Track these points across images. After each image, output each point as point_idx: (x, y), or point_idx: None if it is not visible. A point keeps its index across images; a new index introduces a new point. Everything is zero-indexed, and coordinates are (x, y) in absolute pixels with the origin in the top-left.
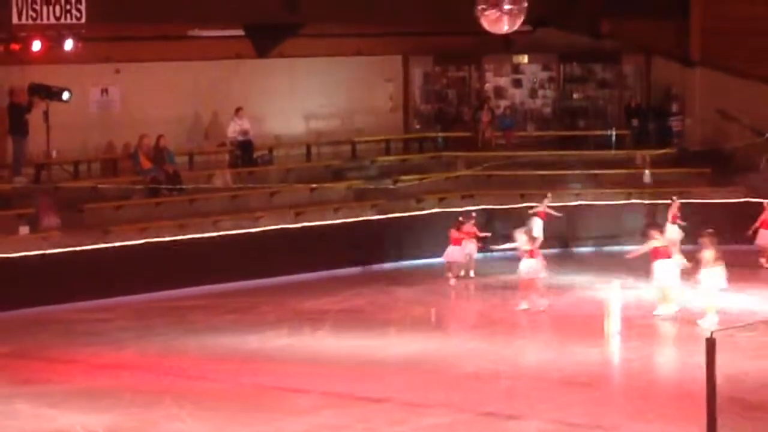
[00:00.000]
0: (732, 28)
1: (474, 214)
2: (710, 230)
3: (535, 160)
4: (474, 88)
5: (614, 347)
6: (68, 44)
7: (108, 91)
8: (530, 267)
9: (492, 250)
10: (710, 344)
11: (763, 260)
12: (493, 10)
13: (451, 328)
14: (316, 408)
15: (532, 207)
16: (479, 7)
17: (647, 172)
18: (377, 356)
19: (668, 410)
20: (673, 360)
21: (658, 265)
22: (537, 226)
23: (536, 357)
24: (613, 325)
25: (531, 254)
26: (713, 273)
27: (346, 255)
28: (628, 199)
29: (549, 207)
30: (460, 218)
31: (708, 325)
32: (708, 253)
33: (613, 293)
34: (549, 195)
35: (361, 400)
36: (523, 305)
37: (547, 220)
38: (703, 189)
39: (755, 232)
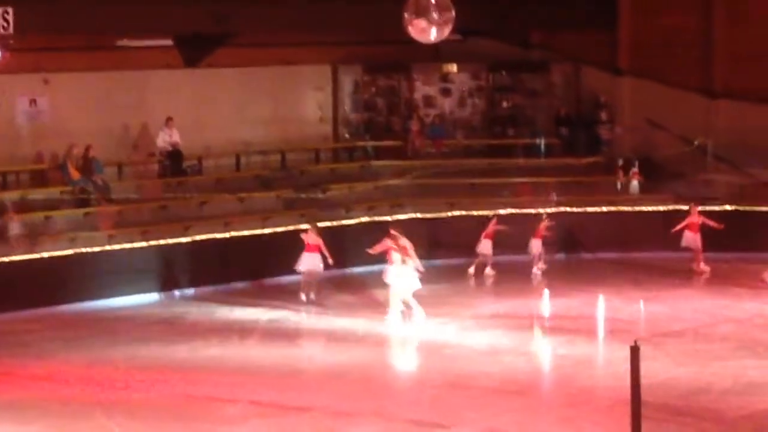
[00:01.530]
0: (660, 38)
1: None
2: (396, 226)
3: (465, 168)
4: (403, 97)
5: (542, 355)
6: None
7: (36, 101)
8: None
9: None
10: (634, 352)
11: (694, 265)
12: (421, 20)
13: (380, 338)
14: (245, 417)
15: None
16: (407, 16)
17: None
18: (306, 366)
19: (598, 417)
20: (604, 367)
21: (392, 270)
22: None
23: (465, 365)
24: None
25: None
26: (403, 270)
27: (275, 264)
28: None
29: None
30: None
31: (392, 319)
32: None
33: (543, 300)
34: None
35: (290, 410)
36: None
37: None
38: (632, 197)
39: (679, 233)
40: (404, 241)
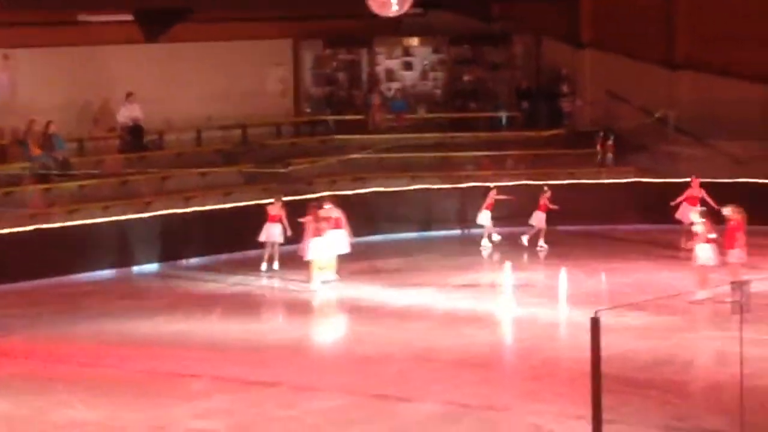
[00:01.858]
0: (621, 10)
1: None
2: (318, 203)
3: (427, 142)
4: (365, 71)
5: (505, 327)
6: None
7: None
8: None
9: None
10: (594, 323)
11: (684, 242)
12: None
13: (341, 312)
14: (208, 392)
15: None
16: None
17: None
18: (269, 341)
19: (560, 389)
20: (565, 340)
21: (313, 243)
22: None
23: (427, 339)
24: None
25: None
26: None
27: (238, 238)
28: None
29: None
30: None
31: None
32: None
33: (503, 274)
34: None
35: (253, 384)
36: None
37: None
38: (594, 170)
39: (677, 207)
40: (335, 213)
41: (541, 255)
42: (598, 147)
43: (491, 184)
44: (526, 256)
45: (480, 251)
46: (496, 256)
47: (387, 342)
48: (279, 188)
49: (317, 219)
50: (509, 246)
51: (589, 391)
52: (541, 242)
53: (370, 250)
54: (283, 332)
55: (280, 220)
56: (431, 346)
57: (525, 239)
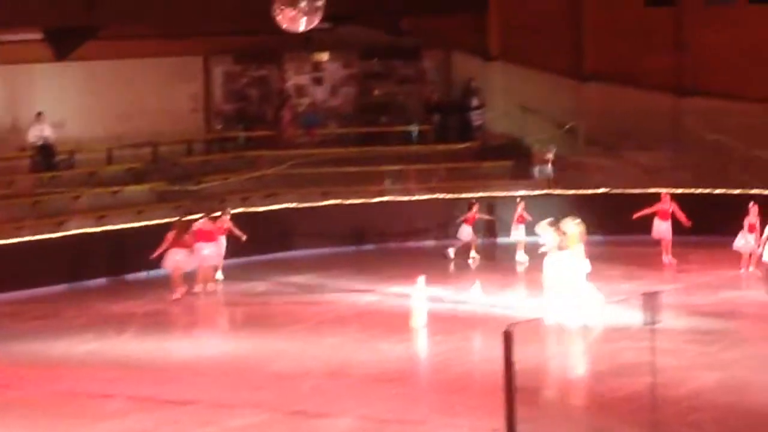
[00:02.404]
0: (529, 22)
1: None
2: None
3: (338, 157)
4: (275, 86)
5: (420, 342)
6: None
7: None
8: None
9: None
10: (507, 337)
11: (665, 256)
12: (290, 9)
13: (258, 329)
14: (124, 412)
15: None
16: (277, 6)
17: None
18: (184, 358)
19: (475, 402)
20: (479, 353)
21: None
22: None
23: (343, 354)
24: (419, 320)
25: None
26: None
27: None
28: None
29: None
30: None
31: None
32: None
33: (417, 288)
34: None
35: (169, 403)
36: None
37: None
38: (505, 182)
39: (643, 218)
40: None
41: (473, 266)
42: (536, 160)
43: (474, 197)
44: (452, 267)
45: (448, 258)
46: (420, 269)
47: (302, 357)
48: (188, 207)
49: (180, 233)
50: (436, 259)
51: (502, 403)
52: (473, 253)
53: (284, 265)
54: (199, 349)
55: (214, 237)
56: (346, 361)
57: (452, 252)
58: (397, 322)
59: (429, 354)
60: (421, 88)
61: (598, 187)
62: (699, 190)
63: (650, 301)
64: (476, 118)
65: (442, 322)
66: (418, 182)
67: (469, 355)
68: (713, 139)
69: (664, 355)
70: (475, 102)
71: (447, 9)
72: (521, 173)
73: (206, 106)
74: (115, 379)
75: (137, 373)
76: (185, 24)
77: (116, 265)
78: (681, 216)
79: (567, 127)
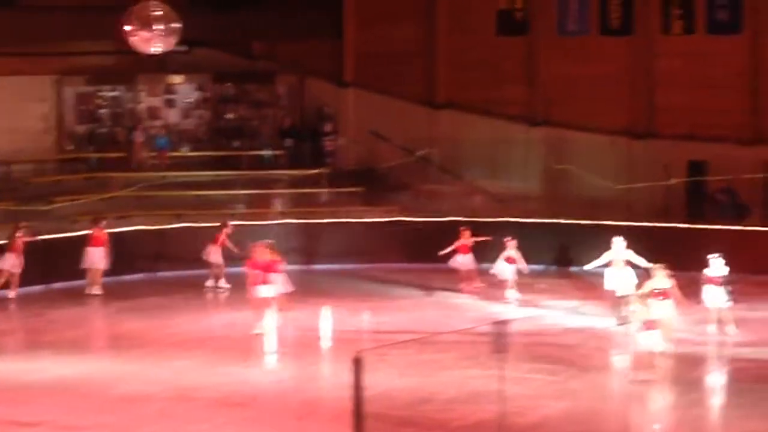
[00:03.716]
0: (384, 50)
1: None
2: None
3: (190, 180)
4: (128, 108)
5: (267, 366)
6: None
7: None
8: None
9: None
10: (357, 363)
11: (464, 285)
12: (144, 31)
13: (104, 350)
14: None
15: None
16: (130, 28)
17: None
18: (27, 379)
19: (323, 428)
20: (328, 378)
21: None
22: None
23: (188, 378)
24: (269, 345)
25: None
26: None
27: None
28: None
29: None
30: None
31: None
32: None
33: (269, 313)
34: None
35: (12, 425)
36: None
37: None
38: (357, 208)
39: (449, 256)
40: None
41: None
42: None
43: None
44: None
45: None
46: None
47: (148, 380)
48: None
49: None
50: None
51: (351, 430)
52: (222, 282)
53: (133, 289)
54: (45, 371)
55: (103, 244)
56: (192, 385)
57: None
58: (247, 346)
59: (278, 378)
60: (275, 113)
61: (450, 216)
62: (548, 220)
63: (499, 329)
64: (329, 143)
65: (294, 347)
66: (268, 207)
67: (319, 381)
68: (560, 169)
69: (512, 384)
70: (328, 128)
71: (302, 35)
72: (373, 199)
73: (58, 127)
74: None
75: None
76: (37, 43)
77: None
78: (482, 239)
79: (419, 154)
